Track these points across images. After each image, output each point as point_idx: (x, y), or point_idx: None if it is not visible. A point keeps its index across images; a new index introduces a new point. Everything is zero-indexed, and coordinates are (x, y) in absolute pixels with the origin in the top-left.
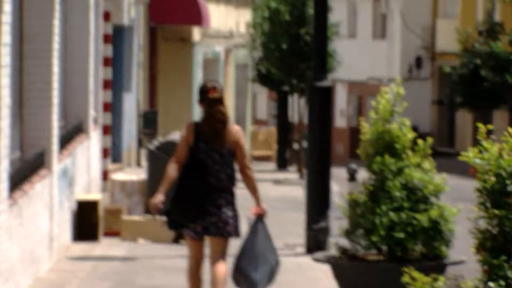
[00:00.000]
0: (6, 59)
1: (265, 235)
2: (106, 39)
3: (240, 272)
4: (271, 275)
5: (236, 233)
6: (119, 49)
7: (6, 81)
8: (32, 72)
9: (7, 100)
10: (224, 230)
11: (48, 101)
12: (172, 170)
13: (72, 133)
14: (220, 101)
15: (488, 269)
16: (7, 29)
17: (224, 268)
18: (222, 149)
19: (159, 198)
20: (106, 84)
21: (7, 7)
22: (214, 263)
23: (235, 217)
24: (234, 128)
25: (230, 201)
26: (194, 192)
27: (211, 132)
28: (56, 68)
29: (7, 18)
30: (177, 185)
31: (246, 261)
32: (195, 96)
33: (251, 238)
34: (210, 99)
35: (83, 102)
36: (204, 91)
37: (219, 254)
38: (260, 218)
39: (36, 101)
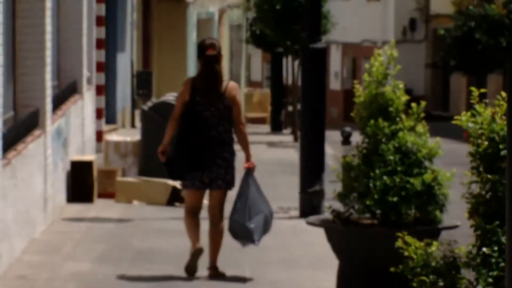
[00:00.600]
0: None
1: (256, 187)
2: None
3: (235, 224)
4: (266, 224)
5: (234, 184)
6: (113, 8)
7: None
8: (24, 32)
9: None
10: (227, 184)
11: (41, 61)
12: (170, 126)
13: (65, 93)
14: (216, 59)
15: (481, 234)
16: None
17: (222, 224)
18: (218, 104)
19: (163, 146)
20: (100, 44)
21: None
22: (214, 219)
23: (234, 169)
24: (231, 84)
25: (233, 154)
26: (196, 144)
27: (205, 87)
28: (49, 27)
29: None
30: (179, 138)
31: (240, 213)
32: (190, 56)
33: (243, 191)
34: (207, 56)
35: (76, 62)
36: (202, 48)
37: (220, 207)
38: (249, 171)
39: (29, 61)
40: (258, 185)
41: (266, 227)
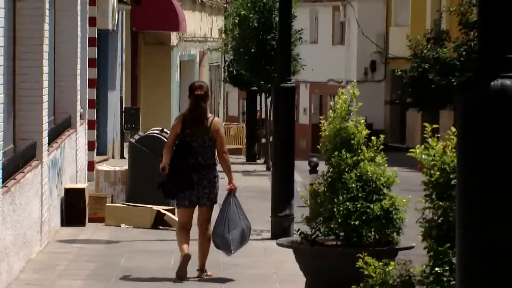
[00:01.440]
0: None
1: (236, 205)
2: (92, 42)
3: (216, 236)
4: (242, 236)
5: (216, 201)
6: (104, 51)
7: None
8: (24, 72)
9: (0, 97)
10: (211, 201)
11: (38, 98)
12: (166, 151)
13: (60, 127)
14: (203, 98)
15: (433, 255)
16: (1, 32)
17: (208, 233)
18: (204, 135)
19: (164, 164)
20: (92, 83)
21: (1, 12)
22: (202, 228)
23: (217, 189)
24: (216, 119)
25: (215, 176)
26: (186, 169)
27: (193, 121)
28: (46, 68)
29: (1, 22)
30: (171, 165)
31: (220, 227)
32: (174, 94)
33: (224, 208)
34: (196, 95)
35: (70, 99)
36: (192, 89)
37: (207, 220)
38: (231, 192)
39: (27, 98)
40: (239, 203)
41: (243, 239)
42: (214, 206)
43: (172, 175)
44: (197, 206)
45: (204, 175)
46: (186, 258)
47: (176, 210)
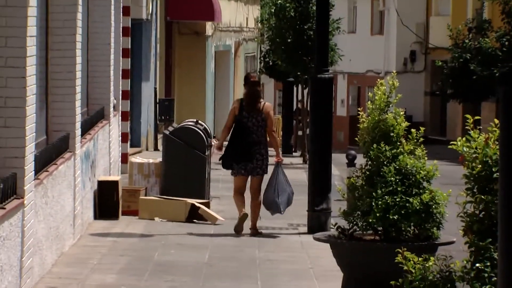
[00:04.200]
0: (32, 50)
1: (282, 174)
2: (125, 32)
3: (267, 199)
4: (288, 200)
5: (267, 172)
6: (138, 41)
7: (32, 70)
8: (57, 63)
9: (33, 88)
10: (263, 171)
11: (72, 89)
12: (224, 132)
13: (94, 119)
14: (258, 83)
15: (475, 251)
16: (33, 22)
17: (259, 199)
18: (257, 116)
19: (219, 144)
20: (125, 74)
21: (33, 1)
22: (254, 195)
23: (267, 161)
24: (267, 103)
25: (266, 151)
26: (242, 144)
27: (250, 104)
28: (79, 59)
29: (33, 12)
30: (230, 140)
31: (271, 192)
32: (209, 85)
33: (274, 177)
34: (252, 81)
35: (104, 90)
36: (248, 77)
37: (258, 187)
38: (278, 164)
39: (60, 89)
40: (284, 173)
41: (289, 202)
42: (264, 176)
43: (231, 150)
44: (250, 175)
45: (257, 150)
46: (243, 217)
47: (233, 178)
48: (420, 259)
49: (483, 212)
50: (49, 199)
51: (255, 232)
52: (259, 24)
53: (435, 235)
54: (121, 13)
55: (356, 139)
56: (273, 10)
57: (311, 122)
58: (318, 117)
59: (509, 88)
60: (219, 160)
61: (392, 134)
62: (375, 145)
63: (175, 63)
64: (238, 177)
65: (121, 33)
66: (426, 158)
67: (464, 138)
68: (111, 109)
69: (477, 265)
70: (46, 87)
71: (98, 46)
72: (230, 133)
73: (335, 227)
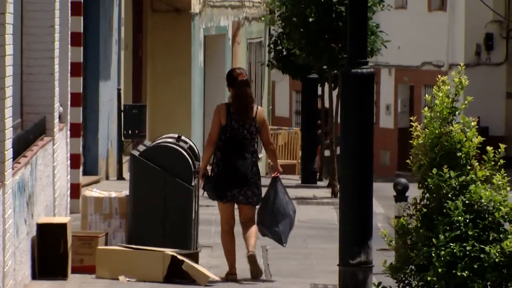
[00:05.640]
0: None
1: (283, 191)
2: (76, 10)
3: (265, 228)
4: (291, 224)
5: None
6: (94, 22)
7: None
8: None
9: None
10: (258, 199)
11: (0, 92)
12: (209, 150)
13: (31, 134)
14: (247, 83)
15: None
16: None
17: (255, 227)
18: (250, 127)
19: (203, 169)
20: (76, 70)
21: None
22: (247, 225)
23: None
24: (260, 108)
25: (259, 171)
26: (237, 164)
27: (241, 110)
28: (9, 48)
29: None
30: (218, 160)
31: (269, 219)
32: (195, 84)
33: (271, 196)
34: (240, 81)
35: (45, 94)
36: (233, 76)
37: (252, 218)
38: (277, 178)
39: None
40: (284, 186)
41: (291, 226)
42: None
43: (224, 172)
44: (243, 203)
45: (252, 170)
46: (232, 277)
47: (219, 206)
48: None
49: None
50: None
51: (254, 258)
52: None
53: None
54: None
55: (408, 161)
56: None
57: (343, 137)
58: (352, 129)
59: None
60: (204, 188)
61: (459, 154)
62: (434, 170)
63: (147, 53)
64: (229, 206)
65: (69, 11)
66: (508, 188)
67: None
68: (56, 120)
69: None
70: None
71: (36, 31)
72: (217, 149)
73: None
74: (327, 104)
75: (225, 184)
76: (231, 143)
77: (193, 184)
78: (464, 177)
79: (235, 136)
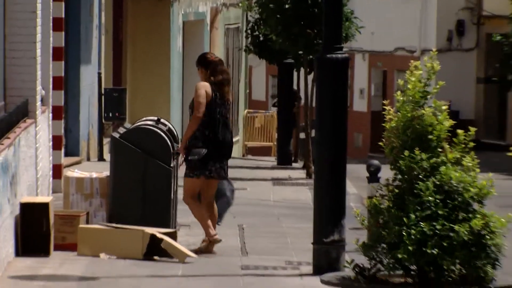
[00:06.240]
0: None
1: None
2: None
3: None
4: (228, 203)
5: None
6: (75, 8)
7: None
8: None
9: None
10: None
11: None
12: (196, 124)
13: (13, 116)
14: (223, 63)
15: None
16: None
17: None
18: (227, 105)
19: (185, 143)
20: (58, 54)
21: None
22: (211, 204)
23: None
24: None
25: None
26: (224, 139)
27: (224, 86)
28: None
29: None
30: (204, 135)
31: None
32: (174, 68)
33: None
34: (216, 61)
35: (27, 77)
36: (206, 58)
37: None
38: None
39: None
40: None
41: (228, 205)
42: None
43: (212, 146)
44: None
45: (231, 146)
46: (215, 242)
47: (191, 180)
48: None
49: None
50: None
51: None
52: None
53: (489, 276)
54: None
55: (381, 143)
56: None
57: (318, 120)
58: (327, 113)
59: None
60: (190, 158)
61: (430, 136)
62: (406, 152)
63: (127, 38)
64: (212, 181)
65: None
66: (477, 170)
67: None
68: (38, 103)
69: None
70: None
71: (18, 15)
72: (200, 126)
73: (351, 265)
74: (302, 90)
75: (213, 159)
76: (216, 119)
77: (172, 165)
78: (435, 159)
79: (220, 111)
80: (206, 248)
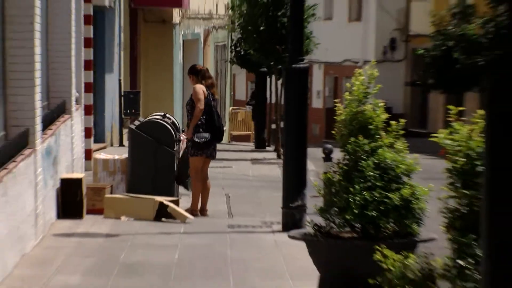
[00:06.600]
0: None
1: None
2: (87, 20)
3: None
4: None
5: None
6: (101, 30)
7: None
8: (14, 54)
9: None
10: None
11: (31, 82)
12: (199, 116)
13: (55, 113)
14: (208, 69)
15: (457, 247)
16: None
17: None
18: (216, 102)
19: (192, 129)
20: (88, 65)
21: None
22: (206, 181)
23: None
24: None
25: None
26: (220, 126)
27: (212, 84)
28: (38, 49)
29: None
30: (206, 124)
31: (185, 168)
32: (176, 76)
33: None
34: (204, 69)
35: (65, 83)
36: (196, 68)
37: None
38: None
39: (19, 81)
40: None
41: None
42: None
43: (212, 131)
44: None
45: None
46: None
47: (196, 159)
48: (399, 256)
49: (466, 208)
50: (10, 198)
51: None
52: (230, 11)
53: (415, 232)
54: (82, 0)
55: (333, 132)
56: None
57: (285, 114)
58: (292, 109)
59: (496, 76)
60: (198, 137)
61: (370, 126)
62: (352, 138)
63: (141, 53)
64: (207, 159)
65: (82, 21)
66: (406, 151)
67: (446, 131)
68: (73, 102)
69: (460, 262)
70: (4, 79)
71: (58, 36)
72: (203, 117)
73: (311, 224)
74: (274, 92)
75: (212, 142)
76: (213, 112)
77: (175, 149)
78: (374, 143)
79: (214, 107)
80: (187, 210)
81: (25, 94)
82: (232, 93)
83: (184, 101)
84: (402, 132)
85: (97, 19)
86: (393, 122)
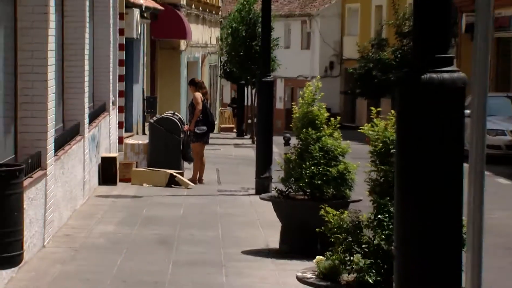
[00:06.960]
0: (52, 61)
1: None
2: (121, 47)
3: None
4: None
5: None
6: (130, 54)
7: (51, 75)
8: (71, 70)
9: (53, 89)
10: None
11: (81, 90)
12: (199, 114)
13: (98, 111)
14: (203, 82)
15: (377, 206)
16: (52, 39)
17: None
18: (208, 102)
19: (193, 124)
20: (121, 78)
21: (53, 25)
22: (203, 160)
23: None
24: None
25: None
26: (213, 122)
27: (206, 94)
28: (87, 67)
29: (52, 32)
30: (204, 120)
31: (188, 150)
32: (182, 87)
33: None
34: (200, 81)
35: (105, 90)
36: (194, 80)
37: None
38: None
39: (73, 89)
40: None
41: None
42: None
43: (208, 125)
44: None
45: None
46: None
47: (199, 145)
48: (337, 212)
49: (383, 178)
50: (65, 170)
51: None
52: (219, 42)
53: (348, 195)
54: (118, 33)
55: (291, 125)
56: (229, 31)
57: (257, 113)
58: (262, 109)
59: (402, 87)
60: (198, 129)
61: (317, 121)
62: (304, 130)
63: (158, 70)
64: (204, 144)
65: (117, 48)
66: (341, 139)
67: (369, 124)
68: (111, 104)
69: (379, 216)
70: (62, 88)
71: (101, 58)
72: (201, 115)
73: (275, 190)
74: (249, 97)
75: (207, 133)
76: (207, 110)
77: (181, 137)
78: (319, 133)
79: (207, 107)
80: (189, 179)
81: (77, 98)
82: (221, 98)
83: (187, 104)
84: (338, 125)
85: (128, 46)
86: (332, 119)
